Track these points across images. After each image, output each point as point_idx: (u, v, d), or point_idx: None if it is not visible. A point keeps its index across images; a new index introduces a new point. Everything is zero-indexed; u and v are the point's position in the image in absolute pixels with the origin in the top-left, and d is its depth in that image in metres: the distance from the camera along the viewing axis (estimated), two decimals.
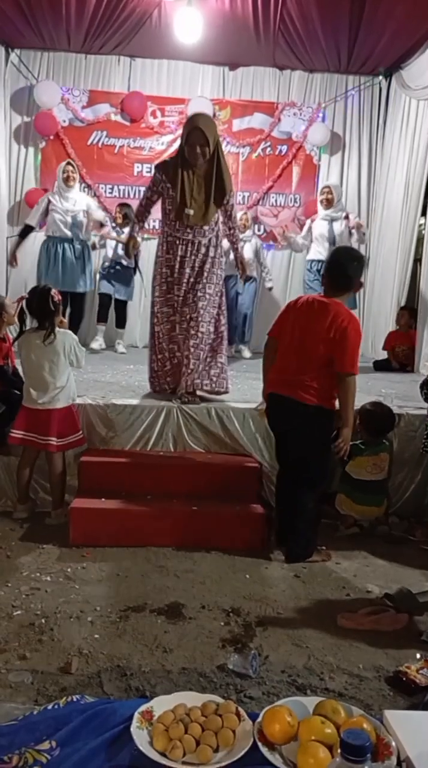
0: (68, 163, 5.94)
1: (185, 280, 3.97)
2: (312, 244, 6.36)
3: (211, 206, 3.91)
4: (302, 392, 3.13)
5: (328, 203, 6.17)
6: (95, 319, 6.59)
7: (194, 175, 3.89)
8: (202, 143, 3.77)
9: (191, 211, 3.89)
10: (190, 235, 3.95)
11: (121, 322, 6.71)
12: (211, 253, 4.01)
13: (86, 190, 7.01)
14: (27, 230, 5.98)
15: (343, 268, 3.22)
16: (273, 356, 3.33)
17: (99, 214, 6.14)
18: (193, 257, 3.97)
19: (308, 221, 6.52)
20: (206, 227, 3.95)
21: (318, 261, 6.13)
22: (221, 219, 4.06)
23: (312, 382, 3.13)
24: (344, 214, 6.20)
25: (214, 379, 4.11)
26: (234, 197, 4.15)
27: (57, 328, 3.59)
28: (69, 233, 5.71)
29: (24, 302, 3.64)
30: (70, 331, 3.75)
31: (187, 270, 3.97)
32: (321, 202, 6.21)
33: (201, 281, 3.99)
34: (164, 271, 4.04)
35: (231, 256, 6.47)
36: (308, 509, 3.25)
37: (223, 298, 4.12)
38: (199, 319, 3.95)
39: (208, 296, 3.99)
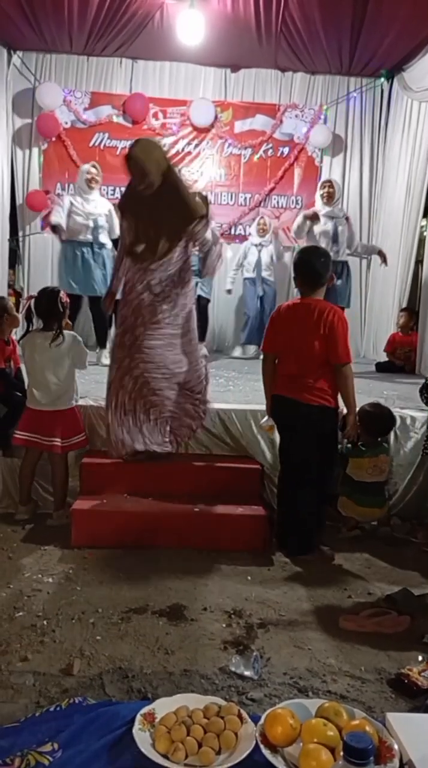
0: (93, 166, 5.69)
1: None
2: (312, 243, 6.13)
3: (163, 239, 3.45)
4: (306, 394, 3.21)
5: (329, 197, 6.01)
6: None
7: (144, 207, 3.48)
8: (139, 173, 3.47)
9: (141, 247, 3.47)
10: (144, 272, 3.49)
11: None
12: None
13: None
14: (57, 229, 5.65)
15: (312, 266, 3.31)
16: (272, 371, 3.41)
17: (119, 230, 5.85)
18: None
19: (300, 215, 6.21)
20: (164, 260, 3.47)
21: None
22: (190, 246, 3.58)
23: (314, 383, 3.21)
24: (344, 215, 6.11)
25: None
26: (208, 222, 3.64)
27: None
28: (90, 237, 5.53)
29: (32, 302, 3.64)
30: (74, 333, 3.75)
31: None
32: (322, 196, 6.05)
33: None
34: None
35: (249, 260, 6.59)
36: (310, 510, 3.28)
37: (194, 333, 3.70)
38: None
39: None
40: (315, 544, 3.34)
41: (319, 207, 6.02)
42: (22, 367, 3.86)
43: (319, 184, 6.22)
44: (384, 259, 6.33)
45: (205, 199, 3.75)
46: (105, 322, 5.69)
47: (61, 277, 5.66)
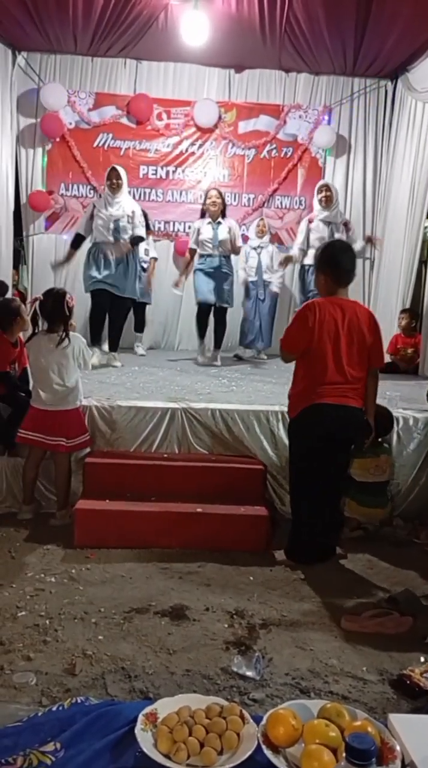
0: (113, 170, 5.63)
1: None
2: (309, 250, 6.08)
3: None
4: (357, 397, 3.17)
5: (327, 201, 5.96)
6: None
7: None
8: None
9: None
10: None
11: (139, 325, 6.73)
12: None
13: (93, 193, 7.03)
14: (78, 239, 5.64)
15: (351, 260, 3.24)
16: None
17: (140, 230, 5.66)
18: None
19: (303, 223, 6.26)
20: None
21: None
22: None
23: (360, 387, 3.19)
24: (342, 220, 6.03)
25: None
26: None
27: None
28: (111, 238, 5.46)
29: (38, 304, 3.64)
30: (79, 335, 3.76)
31: None
32: (320, 201, 6.02)
33: None
34: None
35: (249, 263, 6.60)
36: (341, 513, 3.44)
37: None
38: None
39: None
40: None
41: (317, 211, 5.96)
42: (28, 368, 3.86)
43: (317, 188, 6.14)
44: (372, 243, 6.25)
45: None
46: (121, 325, 5.70)
47: (85, 277, 5.63)
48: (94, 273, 5.47)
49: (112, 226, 5.47)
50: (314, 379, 3.13)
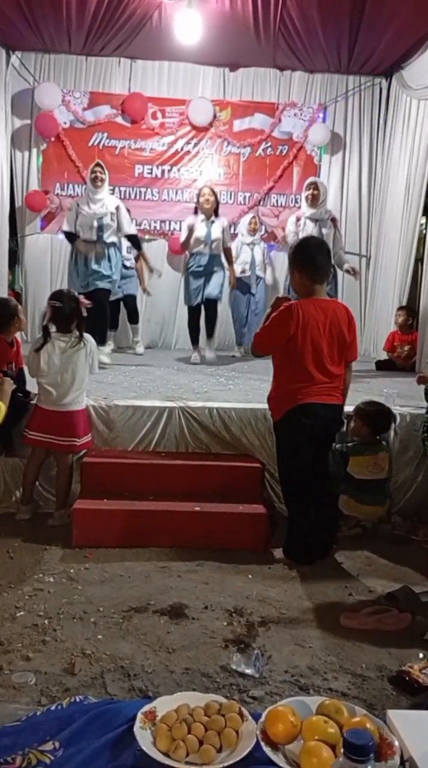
0: (97, 164, 5.65)
1: None
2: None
3: None
4: (339, 395, 3.27)
5: (314, 199, 5.82)
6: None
7: None
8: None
9: None
10: None
11: (133, 317, 6.75)
12: None
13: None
14: (71, 236, 5.65)
15: (327, 260, 3.28)
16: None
17: (128, 227, 5.70)
18: None
19: (292, 220, 6.09)
20: None
21: None
22: None
23: (341, 384, 3.27)
24: (329, 217, 5.89)
25: None
26: None
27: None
28: (94, 236, 5.48)
29: (55, 309, 3.63)
30: (91, 337, 3.77)
31: None
32: (307, 198, 5.89)
33: None
34: None
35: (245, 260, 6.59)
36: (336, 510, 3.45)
37: None
38: None
39: None
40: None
41: (304, 209, 5.87)
42: (25, 368, 3.86)
43: (305, 186, 6.04)
44: (353, 273, 6.20)
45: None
46: (106, 319, 5.70)
47: (70, 275, 5.65)
48: (74, 273, 5.55)
49: (95, 224, 5.48)
50: (299, 381, 3.15)
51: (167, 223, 7.40)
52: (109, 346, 6.59)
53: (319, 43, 6.54)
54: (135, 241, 5.86)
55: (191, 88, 7.30)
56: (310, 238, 3.83)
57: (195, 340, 6.14)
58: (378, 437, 3.70)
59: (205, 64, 7.22)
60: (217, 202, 5.98)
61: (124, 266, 6.42)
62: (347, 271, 6.09)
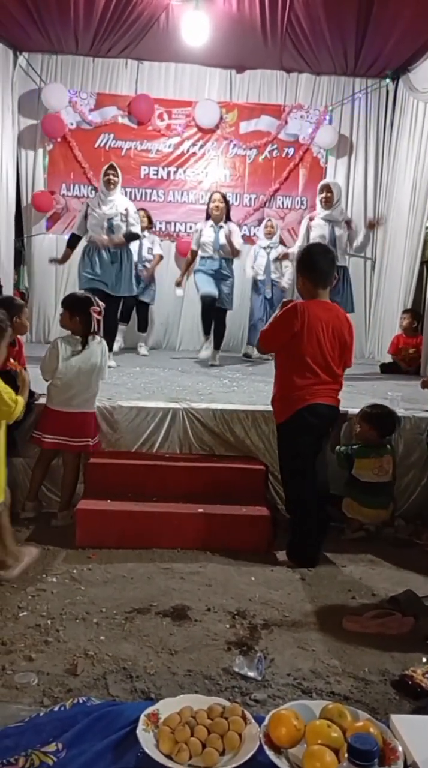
0: (110, 167, 5.62)
1: None
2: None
3: None
4: (337, 397, 3.33)
5: (327, 202, 5.75)
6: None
7: None
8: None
9: None
10: None
11: (143, 325, 6.77)
12: None
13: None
14: (74, 240, 5.68)
15: (330, 266, 3.31)
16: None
17: (134, 227, 5.68)
18: None
19: (305, 221, 6.05)
20: None
21: None
22: None
23: (339, 387, 3.34)
24: (343, 218, 5.85)
25: None
26: None
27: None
28: (105, 237, 5.47)
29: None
30: (101, 338, 3.79)
31: None
32: (321, 201, 5.83)
33: None
34: None
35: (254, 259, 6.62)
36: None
37: None
38: None
39: None
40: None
41: (319, 210, 5.83)
42: (28, 368, 3.86)
43: (318, 188, 5.99)
44: (375, 226, 6.20)
45: None
46: (115, 324, 5.69)
47: (80, 275, 5.64)
48: (88, 271, 5.50)
49: (105, 224, 5.49)
50: (305, 378, 3.18)
51: (173, 224, 7.41)
52: (118, 343, 6.61)
53: (326, 46, 6.54)
54: (131, 237, 5.73)
55: (198, 90, 7.31)
56: (315, 245, 3.90)
57: (207, 330, 6.10)
58: (383, 440, 3.70)
59: (211, 66, 7.23)
60: (228, 208, 5.99)
61: (145, 267, 6.45)
62: (371, 225, 6.18)
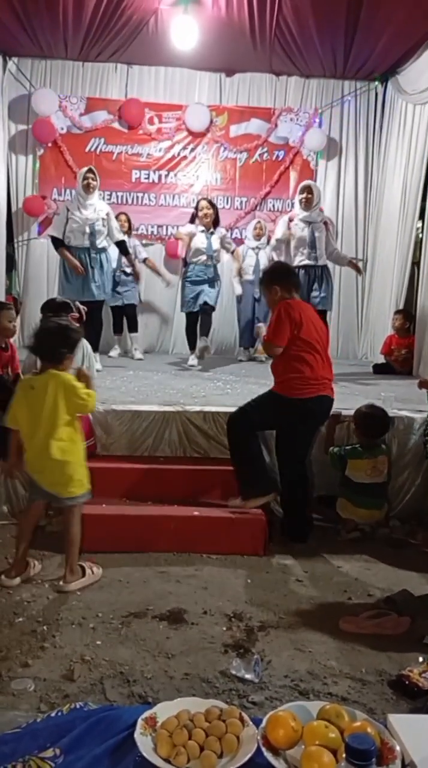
0: (89, 170, 5.61)
1: None
2: (286, 249, 5.82)
3: None
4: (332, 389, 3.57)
5: (307, 203, 5.70)
6: (111, 330, 6.65)
7: None
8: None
9: None
10: None
11: (133, 326, 6.77)
12: None
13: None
14: (58, 243, 5.58)
15: (297, 278, 3.81)
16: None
17: (118, 234, 5.75)
18: None
19: (284, 219, 5.93)
20: None
21: (298, 267, 5.53)
22: None
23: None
24: (322, 220, 5.76)
25: None
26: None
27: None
28: (87, 242, 5.47)
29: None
30: (86, 341, 3.77)
31: None
32: (301, 201, 5.78)
33: None
34: None
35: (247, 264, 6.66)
36: None
37: None
38: None
39: None
40: None
41: (297, 211, 5.80)
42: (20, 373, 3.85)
43: (299, 188, 5.95)
44: (357, 270, 6.19)
45: None
46: (99, 326, 5.69)
47: (61, 282, 5.63)
48: (66, 281, 5.53)
49: (87, 230, 5.47)
50: (315, 365, 3.42)
51: (164, 227, 7.41)
52: (116, 350, 6.62)
53: (315, 49, 6.57)
54: (123, 247, 5.92)
55: (188, 94, 7.32)
56: (278, 262, 4.24)
57: (192, 346, 6.16)
58: (376, 440, 3.71)
59: (201, 70, 7.25)
60: (217, 213, 6.04)
61: (124, 272, 6.46)
62: (351, 264, 6.06)
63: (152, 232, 7.36)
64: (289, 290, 3.54)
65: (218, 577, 3.07)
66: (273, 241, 6.10)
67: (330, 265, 5.84)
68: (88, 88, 7.24)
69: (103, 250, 5.63)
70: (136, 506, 3.50)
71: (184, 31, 6.19)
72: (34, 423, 2.86)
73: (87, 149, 7.26)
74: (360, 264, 6.70)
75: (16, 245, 7.35)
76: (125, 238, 5.99)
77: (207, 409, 3.97)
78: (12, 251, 7.45)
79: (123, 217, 6.56)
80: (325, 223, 5.76)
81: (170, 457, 3.88)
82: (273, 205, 7.51)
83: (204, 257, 5.92)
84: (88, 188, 5.53)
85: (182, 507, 3.51)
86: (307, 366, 3.40)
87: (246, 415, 3.51)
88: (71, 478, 2.91)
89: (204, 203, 6.04)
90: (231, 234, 7.13)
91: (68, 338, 2.94)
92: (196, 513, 3.45)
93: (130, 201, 7.30)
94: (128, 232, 6.55)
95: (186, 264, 6.05)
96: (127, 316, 6.70)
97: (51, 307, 3.77)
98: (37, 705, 2.05)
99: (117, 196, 7.27)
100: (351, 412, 3.82)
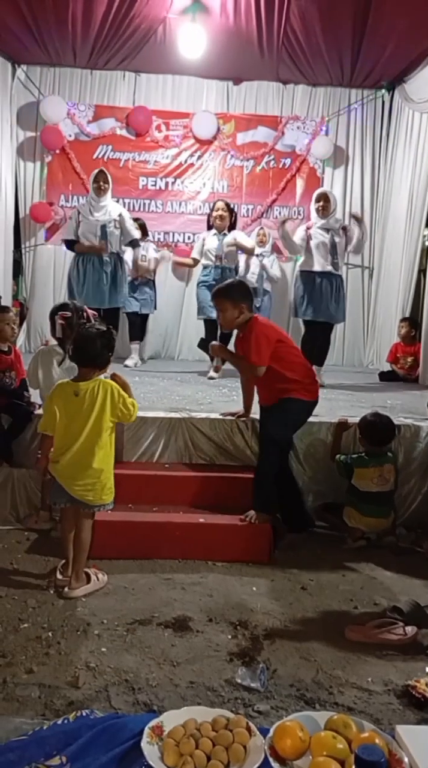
0: (101, 172, 5.58)
1: None
2: (307, 255, 5.63)
3: None
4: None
5: (324, 210, 5.59)
6: (127, 337, 6.52)
7: None
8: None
9: None
10: None
11: (141, 334, 6.71)
12: None
13: None
14: (72, 244, 5.61)
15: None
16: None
17: (135, 232, 5.74)
18: None
19: (301, 230, 5.75)
20: None
21: (321, 273, 5.50)
22: None
23: None
24: (340, 226, 5.67)
25: None
26: None
27: None
28: (103, 241, 5.42)
29: (65, 321, 3.60)
30: None
31: None
32: (317, 210, 5.66)
33: None
34: None
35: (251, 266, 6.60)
36: None
37: None
38: None
39: None
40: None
41: (314, 219, 5.70)
42: (26, 379, 3.86)
43: (314, 197, 5.82)
44: (357, 219, 5.77)
45: None
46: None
47: (71, 287, 5.62)
48: (75, 287, 5.45)
49: (98, 232, 5.43)
50: (307, 375, 3.52)
51: (171, 234, 7.43)
52: (132, 359, 6.43)
53: (322, 57, 6.60)
54: (135, 242, 5.86)
55: (195, 102, 7.36)
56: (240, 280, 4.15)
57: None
58: (382, 448, 3.69)
59: (208, 78, 7.28)
60: (233, 216, 5.96)
61: (142, 278, 6.38)
62: (354, 217, 5.79)
63: (159, 239, 7.38)
64: (251, 309, 3.54)
65: (223, 585, 3.06)
66: (297, 239, 5.70)
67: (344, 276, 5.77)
68: (96, 96, 7.29)
69: (116, 255, 5.55)
70: (141, 513, 3.50)
71: (192, 40, 6.22)
72: (73, 430, 2.86)
73: (94, 156, 7.30)
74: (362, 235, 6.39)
75: (23, 251, 7.39)
76: (138, 235, 5.92)
77: (213, 415, 3.97)
78: (19, 257, 7.49)
79: (138, 223, 6.50)
80: (344, 228, 5.66)
81: (176, 464, 3.88)
82: (280, 213, 7.52)
83: (213, 258, 5.86)
84: (98, 191, 5.53)
85: (187, 514, 3.50)
86: (302, 373, 3.51)
87: (280, 441, 3.56)
88: (104, 486, 2.92)
89: (220, 204, 5.96)
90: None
91: (112, 341, 2.98)
92: (201, 520, 3.45)
93: (137, 207, 7.32)
94: (144, 237, 6.54)
95: (202, 267, 6.02)
96: (135, 324, 6.58)
97: (65, 310, 3.74)
98: (41, 712, 2.04)
99: (124, 203, 7.27)
100: (357, 420, 3.81)
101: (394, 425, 3.76)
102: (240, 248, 6.01)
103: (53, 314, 3.67)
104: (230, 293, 3.50)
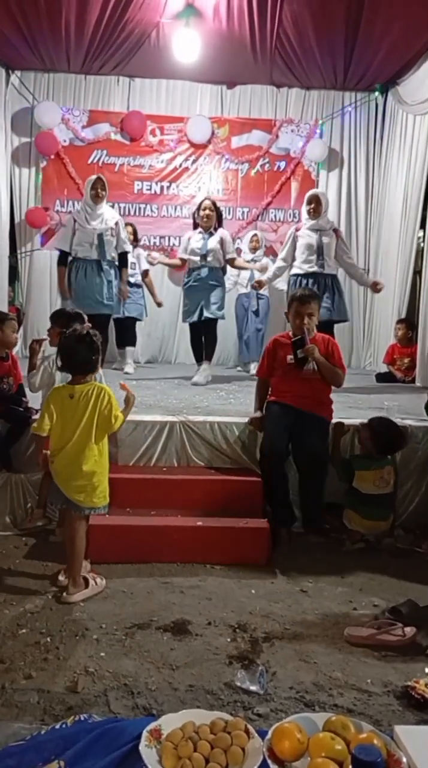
0: (99, 179, 5.38)
1: None
2: (296, 258, 5.51)
3: None
4: None
5: (315, 212, 5.49)
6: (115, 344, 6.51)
7: None
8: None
9: None
10: None
11: (129, 339, 6.63)
12: None
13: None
14: (64, 257, 5.42)
15: None
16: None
17: (127, 246, 5.60)
18: None
19: (290, 232, 5.69)
20: None
21: (306, 274, 5.40)
22: None
23: None
24: (330, 227, 5.58)
25: None
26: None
27: None
28: (94, 254, 5.27)
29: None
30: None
31: None
32: (308, 211, 5.52)
33: None
34: None
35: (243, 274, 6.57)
36: None
37: None
38: None
39: None
40: None
41: (305, 221, 5.62)
42: (23, 384, 3.86)
43: (306, 199, 5.72)
44: (376, 290, 5.79)
45: None
46: (104, 341, 5.59)
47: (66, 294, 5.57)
48: (72, 295, 5.34)
49: (95, 241, 5.28)
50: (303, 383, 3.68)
51: (166, 238, 7.45)
52: (129, 366, 6.38)
53: (315, 60, 6.63)
54: (124, 258, 5.61)
55: (189, 106, 7.39)
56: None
57: (198, 358, 5.87)
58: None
59: (202, 82, 7.32)
60: (219, 215, 5.72)
61: (129, 283, 6.10)
62: (373, 286, 5.70)
63: (154, 243, 7.40)
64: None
65: (222, 588, 3.06)
66: (278, 261, 5.73)
67: (340, 275, 5.62)
68: (91, 101, 7.31)
69: (112, 263, 5.42)
70: (139, 516, 3.50)
71: (186, 44, 6.25)
72: (67, 432, 2.89)
73: (89, 161, 7.32)
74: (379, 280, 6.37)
75: (19, 256, 7.39)
76: (130, 249, 5.80)
77: (210, 419, 3.96)
78: (15, 262, 7.49)
79: (129, 228, 6.42)
80: (335, 231, 5.58)
81: (173, 467, 3.87)
82: (275, 215, 7.56)
83: (197, 258, 5.59)
84: (96, 198, 5.34)
85: (185, 517, 3.50)
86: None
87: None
88: (96, 489, 2.93)
89: (207, 202, 5.69)
90: (236, 244, 7.14)
91: (93, 344, 2.98)
92: (199, 523, 3.44)
93: (132, 212, 7.34)
94: (135, 242, 6.51)
95: (188, 269, 5.80)
96: (125, 329, 6.51)
97: (63, 317, 3.73)
98: (41, 717, 2.03)
99: (119, 208, 7.29)
100: (354, 422, 3.81)
101: (405, 435, 3.75)
102: (223, 252, 5.68)
103: (56, 320, 3.69)
104: (319, 297, 3.66)
